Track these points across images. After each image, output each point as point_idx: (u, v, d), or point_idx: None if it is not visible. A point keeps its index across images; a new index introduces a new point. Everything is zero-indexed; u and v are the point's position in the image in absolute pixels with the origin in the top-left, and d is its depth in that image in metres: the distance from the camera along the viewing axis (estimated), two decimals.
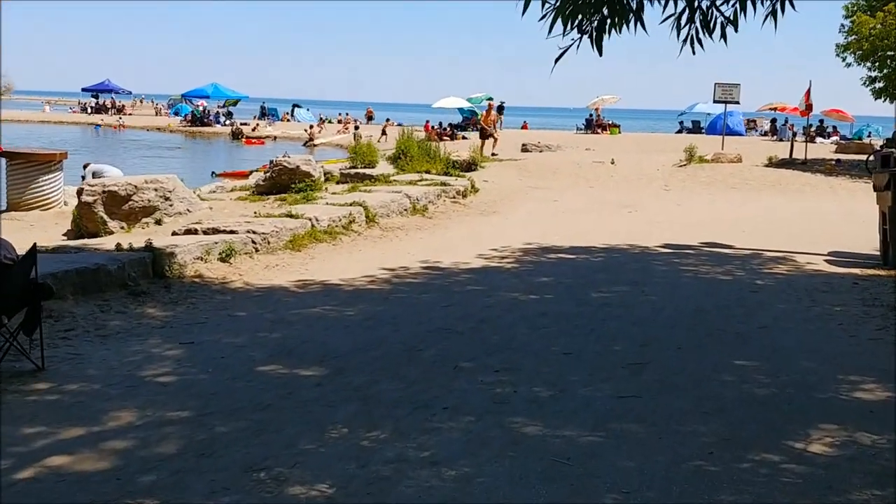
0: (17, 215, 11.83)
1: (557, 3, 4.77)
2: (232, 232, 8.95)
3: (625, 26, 4.82)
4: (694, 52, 4.90)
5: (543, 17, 4.80)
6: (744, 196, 16.75)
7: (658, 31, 4.98)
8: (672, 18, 4.95)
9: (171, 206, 10.99)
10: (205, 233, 9.02)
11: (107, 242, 7.73)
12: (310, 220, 10.09)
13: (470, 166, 19.67)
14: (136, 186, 10.52)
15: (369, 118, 61.35)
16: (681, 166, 20.98)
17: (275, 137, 44.48)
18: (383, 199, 12.17)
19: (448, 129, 41.18)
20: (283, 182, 14.68)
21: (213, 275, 7.77)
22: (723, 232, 11.67)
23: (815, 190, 17.73)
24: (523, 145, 28.42)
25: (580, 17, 4.79)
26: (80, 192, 10.52)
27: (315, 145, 40.14)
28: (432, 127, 40.12)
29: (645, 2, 4.95)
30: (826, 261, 9.50)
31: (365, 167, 17.73)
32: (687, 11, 4.94)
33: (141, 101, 75.48)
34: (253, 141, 41.31)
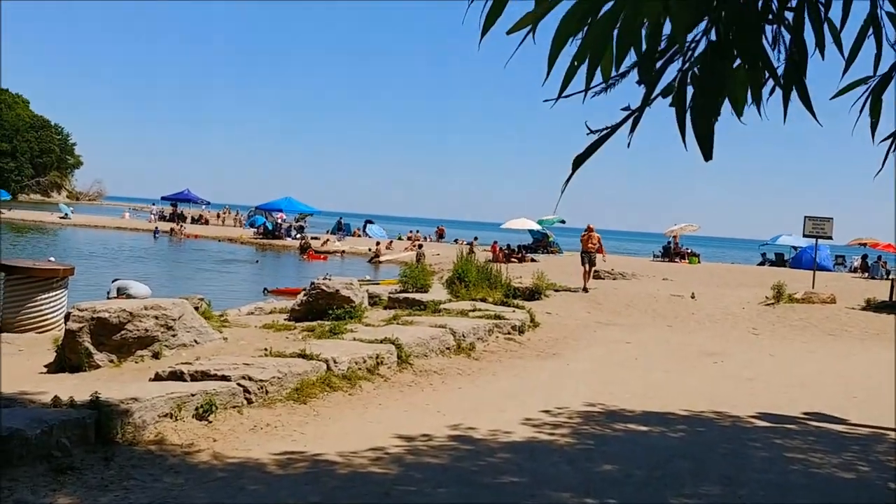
0: (9, 337, 10.50)
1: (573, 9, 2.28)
2: (223, 378, 7.32)
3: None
4: None
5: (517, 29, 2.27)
6: (846, 347, 14.44)
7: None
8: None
9: (173, 336, 9.49)
10: (192, 377, 7.43)
11: (50, 392, 6.17)
12: (326, 361, 8.41)
13: (533, 294, 17.95)
14: (131, 313, 9.06)
15: (440, 236, 60.75)
16: (768, 304, 18.78)
17: (342, 253, 43.71)
18: (423, 334, 10.46)
19: (517, 250, 39.75)
20: (320, 307, 13.22)
21: (179, 440, 6.09)
22: (829, 397, 9.53)
23: None
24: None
25: (646, 47, 2.33)
26: (67, 318, 9.14)
27: (380, 262, 39.13)
28: (500, 248, 38.75)
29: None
30: None
31: (416, 291, 16.21)
32: None
33: (227, 212, 76.75)
34: (315, 255, 40.53)
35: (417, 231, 60.64)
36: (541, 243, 43.46)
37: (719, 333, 15.31)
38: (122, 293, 13.77)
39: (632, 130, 2.35)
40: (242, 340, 10.47)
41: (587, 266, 20.98)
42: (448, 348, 10.60)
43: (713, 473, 6.12)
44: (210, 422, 6.56)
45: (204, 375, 7.41)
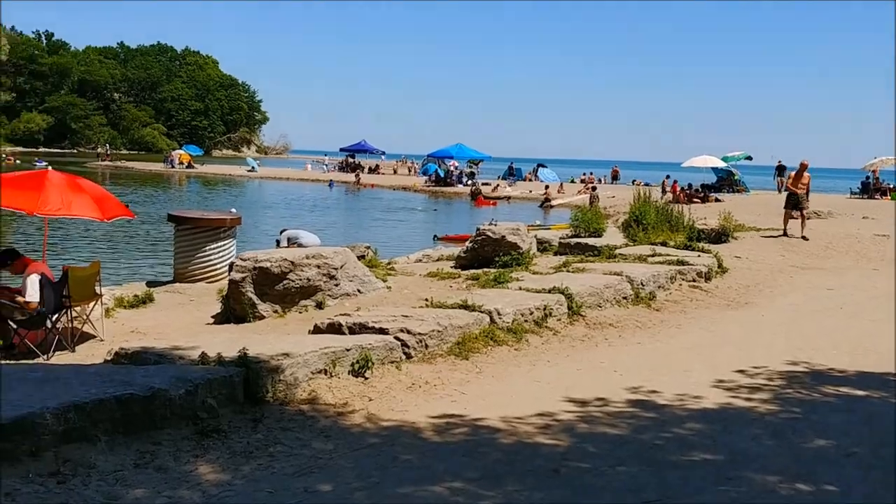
0: (182, 287, 10.65)
1: None
2: (381, 331, 6.87)
3: None
4: None
5: None
6: None
7: None
8: None
9: (336, 285, 9.21)
10: (350, 329, 7.05)
11: (202, 347, 5.89)
12: (489, 313, 7.80)
13: (719, 237, 16.49)
14: (292, 263, 8.83)
15: (615, 177, 58.82)
16: None
17: (508, 198, 42.98)
18: (596, 282, 9.61)
19: (699, 190, 37.51)
20: (486, 254, 12.66)
21: (333, 399, 5.67)
22: None
23: None
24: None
25: None
26: (230, 268, 9.03)
27: (552, 206, 38.18)
28: (681, 188, 36.70)
29: None
30: None
31: (589, 235, 15.31)
32: None
33: (404, 162, 77.86)
34: (484, 202, 40.04)
35: (591, 173, 58.92)
36: (725, 182, 40.77)
37: None
38: (292, 242, 13.79)
39: None
40: (406, 289, 10.08)
41: (789, 212, 17.75)
42: (624, 298, 9.70)
43: None
44: (366, 378, 6.12)
45: (362, 328, 7.01)
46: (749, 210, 25.46)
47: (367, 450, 4.80)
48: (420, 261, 15.49)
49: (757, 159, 44.88)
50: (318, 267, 9.00)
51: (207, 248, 11.01)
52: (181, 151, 73.58)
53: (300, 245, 13.68)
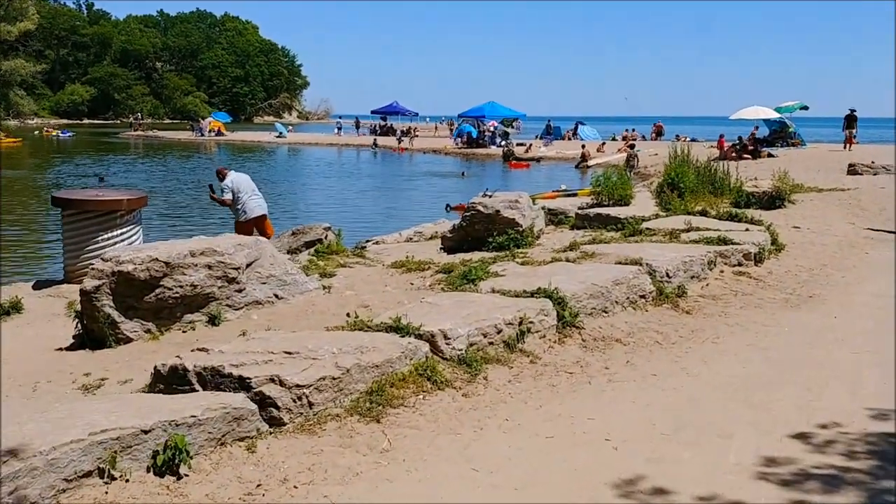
0: (68, 290, 8.30)
1: None
2: (240, 382, 4.42)
3: None
4: None
5: None
6: None
7: None
8: None
9: (239, 291, 6.75)
10: (199, 378, 4.61)
11: None
12: (431, 337, 5.30)
13: (773, 201, 13.62)
14: (167, 264, 6.36)
15: (658, 133, 55.26)
16: None
17: (538, 159, 39.88)
18: (602, 277, 6.97)
19: (748, 143, 34.12)
20: (476, 234, 10.17)
21: None
22: None
23: None
24: (850, 166, 21.33)
25: None
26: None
27: (588, 167, 35.19)
28: (733, 143, 33.38)
29: None
30: None
31: (613, 204, 12.69)
32: None
33: (450, 123, 74.54)
34: (517, 164, 37.10)
35: (633, 129, 55.42)
36: (779, 135, 37.23)
37: None
38: (233, 195, 11.25)
39: None
40: (350, 290, 7.59)
41: None
42: (642, 296, 7.08)
43: None
44: (179, 477, 3.68)
45: (216, 375, 4.56)
46: (807, 166, 22.45)
47: None
48: (411, 239, 13.05)
49: (814, 110, 41.04)
50: (210, 267, 6.54)
51: (100, 238, 8.61)
52: (211, 119, 71.74)
53: (240, 206, 11.32)
